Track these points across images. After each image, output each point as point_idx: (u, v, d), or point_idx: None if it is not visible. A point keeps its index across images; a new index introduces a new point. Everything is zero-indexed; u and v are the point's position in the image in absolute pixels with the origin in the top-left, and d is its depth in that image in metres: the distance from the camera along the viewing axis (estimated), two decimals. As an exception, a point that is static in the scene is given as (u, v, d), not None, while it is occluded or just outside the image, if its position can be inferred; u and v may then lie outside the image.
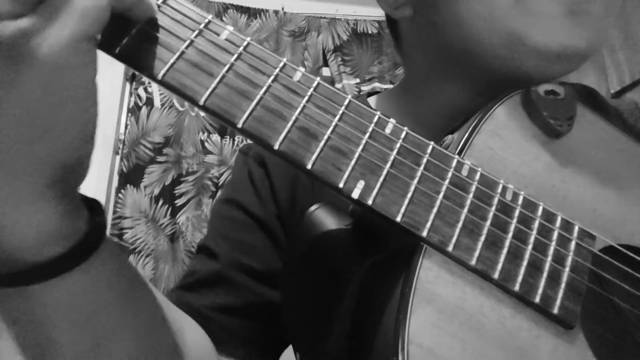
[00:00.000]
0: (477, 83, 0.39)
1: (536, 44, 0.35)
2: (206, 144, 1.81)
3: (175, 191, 1.76)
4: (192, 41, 0.26)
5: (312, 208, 0.35)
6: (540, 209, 0.28)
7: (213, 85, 0.25)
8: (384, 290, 0.27)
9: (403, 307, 0.24)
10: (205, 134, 1.82)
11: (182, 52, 0.25)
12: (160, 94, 1.82)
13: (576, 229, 0.29)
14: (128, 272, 0.29)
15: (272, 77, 0.26)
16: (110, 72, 1.67)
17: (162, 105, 1.81)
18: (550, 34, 0.35)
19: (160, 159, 1.76)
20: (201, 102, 0.25)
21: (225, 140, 1.82)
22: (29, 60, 0.19)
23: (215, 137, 1.82)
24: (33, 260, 0.23)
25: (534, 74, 0.36)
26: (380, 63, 1.92)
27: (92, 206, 0.26)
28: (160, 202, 1.71)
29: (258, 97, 0.26)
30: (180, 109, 1.82)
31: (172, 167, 1.78)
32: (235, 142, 1.82)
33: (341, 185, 0.26)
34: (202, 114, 1.83)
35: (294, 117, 0.26)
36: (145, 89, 1.79)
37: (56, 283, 0.24)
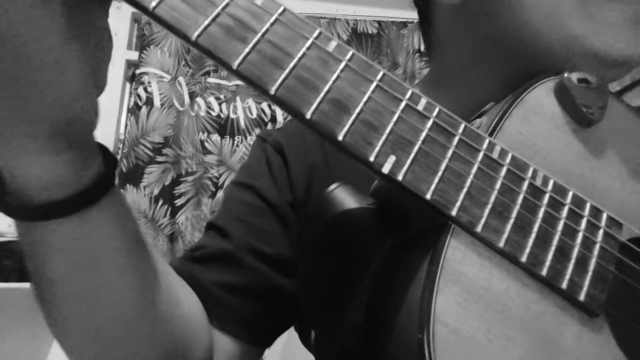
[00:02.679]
0: (517, 77, 0.38)
1: (597, 50, 0.35)
2: (206, 144, 1.81)
3: (175, 191, 1.75)
4: (226, 4, 0.25)
5: (332, 187, 0.34)
6: (570, 194, 0.28)
7: (246, 52, 0.25)
8: (407, 269, 0.26)
9: (429, 285, 0.24)
10: (205, 134, 1.81)
11: (217, 15, 0.25)
12: (160, 94, 1.81)
13: (604, 216, 0.28)
14: (131, 229, 0.30)
15: (305, 46, 0.26)
16: (110, 72, 1.67)
17: (162, 105, 1.80)
18: (612, 41, 0.35)
19: (159, 159, 1.75)
20: (234, 67, 0.24)
21: (225, 140, 1.81)
22: None
23: (215, 137, 1.81)
24: (33, 201, 0.25)
25: None
26: (380, 63, 1.91)
27: (109, 160, 0.27)
28: (160, 202, 1.70)
29: (291, 65, 0.25)
30: (180, 108, 1.82)
31: (172, 167, 1.77)
32: (235, 142, 1.81)
33: (372, 159, 0.25)
34: (202, 114, 1.82)
35: (326, 89, 0.26)
36: (145, 89, 1.78)
37: (56, 226, 0.26)
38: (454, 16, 0.42)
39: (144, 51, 1.82)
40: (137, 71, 1.79)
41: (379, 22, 1.94)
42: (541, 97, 0.31)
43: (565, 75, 0.32)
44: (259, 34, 0.25)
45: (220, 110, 1.85)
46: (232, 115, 1.84)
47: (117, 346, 0.31)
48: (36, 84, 0.21)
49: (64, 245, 0.26)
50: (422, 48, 1.92)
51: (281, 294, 0.42)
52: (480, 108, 0.39)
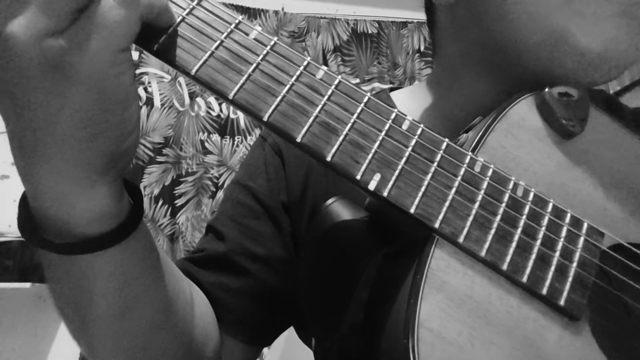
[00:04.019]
0: (508, 82, 0.39)
1: (579, 44, 0.35)
2: (206, 144, 1.82)
3: (175, 191, 1.76)
4: (222, 41, 0.28)
5: (330, 201, 0.36)
6: (551, 205, 0.30)
7: (241, 82, 0.27)
8: (396, 278, 0.28)
9: (414, 292, 0.26)
10: (205, 134, 1.82)
11: (213, 51, 0.27)
12: (160, 94, 1.83)
13: (585, 225, 0.30)
14: (156, 249, 0.32)
15: (296, 75, 0.28)
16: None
17: (162, 105, 1.81)
18: (596, 36, 0.35)
19: (160, 159, 1.76)
20: (230, 97, 0.27)
21: (225, 141, 1.82)
22: (76, 75, 0.22)
23: (215, 137, 1.82)
24: (84, 235, 0.27)
25: (570, 79, 0.37)
26: (379, 63, 1.92)
27: (131, 190, 0.29)
28: (160, 203, 1.72)
29: (282, 93, 0.28)
30: (180, 109, 1.83)
31: (172, 167, 1.78)
32: (235, 142, 1.82)
33: (358, 177, 0.27)
34: (202, 114, 1.84)
35: (315, 113, 0.28)
36: (145, 89, 1.80)
37: (101, 255, 0.27)
38: (448, 18, 0.43)
39: (144, 51, 1.86)
40: (137, 71, 1.80)
41: (378, 22, 1.95)
42: (524, 111, 0.33)
43: (547, 89, 0.33)
44: (254, 65, 0.28)
45: (221, 110, 1.86)
46: (232, 115, 1.85)
47: (145, 353, 0.33)
48: (108, 121, 0.24)
49: (110, 271, 0.28)
50: (422, 48, 1.93)
51: (276, 294, 0.44)
52: (476, 108, 0.40)
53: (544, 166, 0.32)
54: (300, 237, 0.44)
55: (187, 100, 1.86)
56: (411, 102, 0.48)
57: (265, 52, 0.28)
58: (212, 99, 1.87)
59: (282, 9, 1.90)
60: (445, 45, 0.45)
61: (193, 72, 0.27)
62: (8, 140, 0.24)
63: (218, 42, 0.27)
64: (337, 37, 1.92)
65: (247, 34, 0.28)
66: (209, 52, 0.27)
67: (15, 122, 0.23)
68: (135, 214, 0.29)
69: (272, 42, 0.28)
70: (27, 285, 1.61)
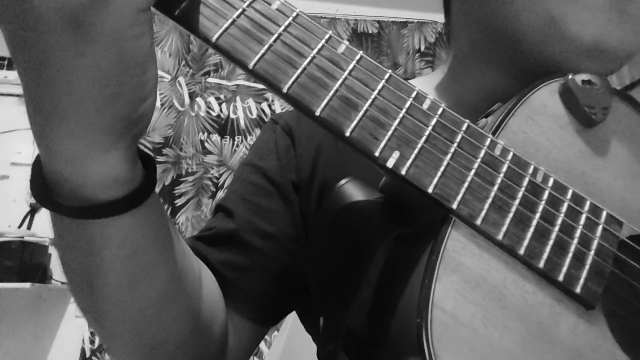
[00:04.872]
0: (513, 68, 0.40)
1: (569, 32, 0.35)
2: (206, 144, 1.82)
3: (175, 191, 1.77)
4: (244, 9, 0.27)
5: (343, 181, 0.36)
6: (570, 192, 0.29)
7: (262, 52, 0.27)
8: (410, 258, 0.28)
9: (429, 273, 0.25)
10: (205, 134, 1.82)
11: (235, 19, 0.27)
12: (160, 94, 1.82)
13: (604, 214, 0.29)
14: (166, 222, 0.32)
15: (317, 48, 0.28)
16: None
17: (162, 105, 1.81)
18: (587, 24, 0.35)
19: (159, 159, 1.76)
20: (250, 67, 0.26)
21: (225, 141, 1.82)
22: (95, 32, 0.21)
23: (215, 137, 1.82)
24: (98, 199, 0.26)
25: (563, 67, 0.36)
26: (380, 64, 1.91)
27: (145, 161, 0.29)
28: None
29: (303, 65, 0.27)
30: (180, 109, 1.83)
31: (172, 167, 1.78)
32: (235, 142, 1.82)
33: (377, 153, 0.27)
34: (202, 114, 1.84)
35: (335, 87, 0.27)
36: None
37: (113, 220, 0.27)
38: (460, 6, 0.44)
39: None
40: None
41: (379, 22, 1.94)
42: (546, 97, 0.32)
43: (570, 76, 0.33)
44: (275, 36, 0.27)
45: (220, 110, 1.86)
46: (232, 115, 1.85)
47: (153, 326, 0.33)
48: (126, 83, 0.24)
49: (120, 239, 0.28)
50: (423, 48, 1.92)
51: (285, 272, 0.43)
52: (489, 95, 0.40)
53: (564, 153, 0.31)
54: (309, 216, 0.44)
55: (187, 100, 1.86)
56: (425, 88, 0.48)
57: (287, 22, 0.28)
58: (212, 99, 1.86)
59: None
60: (458, 33, 0.46)
61: (214, 39, 0.26)
62: (26, 104, 0.24)
63: (240, 10, 0.27)
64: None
65: (269, 4, 0.28)
66: (230, 20, 0.27)
67: (32, 80, 0.23)
68: (149, 182, 0.29)
69: (294, 13, 0.28)
70: (27, 285, 1.63)
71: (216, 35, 0.26)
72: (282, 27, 0.27)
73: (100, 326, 0.34)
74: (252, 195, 0.45)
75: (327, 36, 0.28)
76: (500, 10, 0.38)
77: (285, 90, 0.26)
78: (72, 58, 0.22)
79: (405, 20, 1.94)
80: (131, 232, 0.28)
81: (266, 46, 0.27)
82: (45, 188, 0.27)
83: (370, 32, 1.93)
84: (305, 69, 0.27)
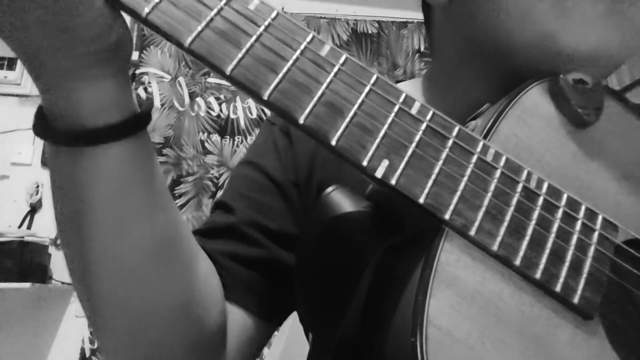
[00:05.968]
0: (503, 82, 0.38)
1: (566, 47, 0.34)
2: (206, 144, 1.81)
3: (175, 192, 1.76)
4: (220, 9, 0.25)
5: (329, 190, 0.34)
6: (565, 197, 0.28)
7: (239, 56, 0.25)
8: (402, 272, 0.26)
9: (422, 288, 0.24)
10: (205, 134, 1.82)
11: (210, 20, 0.25)
12: (160, 94, 1.81)
13: (600, 219, 0.28)
14: (158, 168, 0.32)
15: (299, 50, 0.26)
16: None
17: (162, 105, 1.80)
18: (585, 37, 0.34)
19: (160, 159, 1.75)
20: (227, 72, 0.25)
21: (225, 141, 1.81)
22: None
23: (215, 137, 1.81)
24: (90, 125, 0.27)
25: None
26: (379, 64, 1.91)
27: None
28: None
29: (284, 69, 0.25)
30: (180, 109, 1.82)
31: (172, 167, 1.78)
32: (235, 143, 1.81)
33: (365, 163, 0.25)
34: (202, 114, 1.82)
35: (320, 92, 0.26)
36: (145, 89, 1.78)
37: (103, 150, 0.28)
38: (444, 17, 0.43)
39: (144, 51, 1.83)
40: (137, 71, 1.80)
41: (378, 22, 1.94)
42: (537, 98, 0.31)
43: (561, 76, 0.32)
44: (253, 38, 0.25)
45: (220, 110, 1.86)
46: (232, 116, 1.85)
47: (142, 286, 0.31)
48: (76, 25, 0.24)
49: (110, 171, 0.28)
50: (422, 48, 1.92)
51: (286, 269, 0.42)
52: (473, 107, 0.39)
53: (557, 157, 0.30)
54: (306, 218, 0.42)
55: (187, 100, 1.84)
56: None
57: (266, 23, 0.26)
58: (212, 99, 1.86)
59: (282, 9, 1.87)
60: (442, 44, 0.44)
61: (186, 44, 0.24)
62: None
63: (215, 11, 0.25)
64: (337, 37, 1.90)
65: (247, 3, 0.26)
66: (204, 23, 0.25)
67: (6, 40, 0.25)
68: (146, 109, 0.29)
69: (273, 14, 0.26)
70: (27, 285, 1.61)
71: (189, 40, 0.24)
72: (262, 29, 0.26)
73: (88, 290, 0.31)
74: (252, 191, 0.44)
75: (309, 37, 0.26)
76: (492, 27, 0.36)
77: (265, 97, 0.25)
78: (16, 21, 0.23)
79: (405, 20, 1.94)
80: (121, 166, 0.28)
81: (244, 50, 0.25)
82: (44, 123, 0.28)
83: (369, 32, 1.93)
84: (286, 73, 0.25)
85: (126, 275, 0.30)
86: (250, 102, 1.86)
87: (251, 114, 1.85)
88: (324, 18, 1.92)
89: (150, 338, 0.32)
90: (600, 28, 0.34)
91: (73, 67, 0.25)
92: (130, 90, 0.29)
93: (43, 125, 0.28)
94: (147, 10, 0.24)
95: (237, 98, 1.86)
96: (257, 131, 1.82)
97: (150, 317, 0.32)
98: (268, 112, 1.91)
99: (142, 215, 0.30)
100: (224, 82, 1.87)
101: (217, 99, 1.86)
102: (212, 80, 1.88)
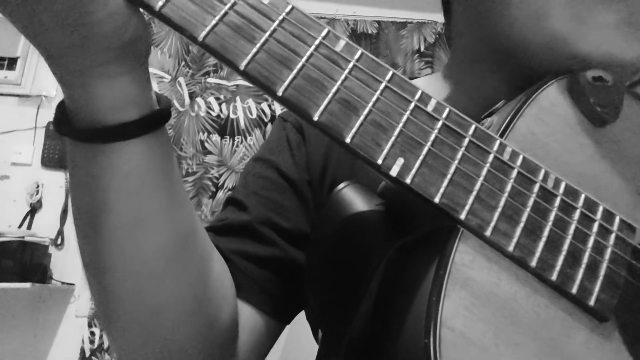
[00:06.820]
0: (520, 78, 0.38)
1: (579, 52, 0.33)
2: (206, 144, 1.80)
3: None
4: (234, 3, 0.25)
5: (340, 186, 0.34)
6: (582, 197, 0.27)
7: (254, 52, 0.24)
8: (415, 272, 0.26)
9: (436, 289, 0.24)
10: (205, 134, 1.81)
11: (224, 14, 0.24)
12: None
13: (617, 220, 0.28)
14: (176, 166, 0.31)
15: (314, 46, 0.25)
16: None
17: None
18: (598, 43, 0.33)
19: None
20: (241, 68, 0.24)
21: (225, 141, 1.81)
22: None
23: (215, 137, 1.81)
24: (108, 122, 0.27)
25: None
26: None
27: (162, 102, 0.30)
28: None
29: (299, 65, 0.25)
30: (180, 109, 1.81)
31: None
32: (235, 143, 1.81)
33: (380, 162, 0.25)
34: (202, 114, 1.82)
35: (334, 89, 0.25)
36: None
37: (121, 147, 0.28)
38: (462, 13, 0.42)
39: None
40: None
41: (378, 22, 1.92)
42: (555, 96, 0.31)
43: (580, 72, 0.31)
44: (267, 33, 0.25)
45: (220, 110, 1.85)
46: (232, 116, 1.84)
47: (156, 281, 0.31)
48: (90, 21, 0.24)
49: (127, 168, 0.28)
50: (422, 48, 1.90)
51: (298, 268, 0.42)
52: (488, 102, 0.38)
53: (575, 156, 0.29)
54: (317, 215, 0.42)
55: (187, 100, 1.84)
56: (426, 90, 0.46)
57: (281, 18, 0.25)
58: (212, 99, 1.85)
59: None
60: (458, 38, 0.44)
61: (200, 38, 0.24)
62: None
63: (229, 5, 0.25)
64: (336, 37, 1.89)
65: (261, -2, 0.25)
66: (218, 17, 0.24)
67: (26, 37, 0.25)
68: (165, 107, 0.29)
69: (288, 8, 0.26)
70: (27, 285, 1.61)
71: (203, 34, 0.24)
72: (276, 23, 0.25)
73: (102, 285, 0.31)
74: (266, 190, 0.43)
75: (324, 32, 0.26)
76: (504, 28, 0.36)
77: (280, 93, 0.24)
78: (31, 19, 0.23)
79: (404, 20, 1.92)
80: (138, 163, 0.28)
81: (258, 45, 0.25)
82: (64, 118, 0.28)
83: (369, 32, 1.91)
84: (300, 69, 0.25)
85: (141, 271, 0.30)
86: (250, 102, 1.85)
87: (251, 114, 1.85)
88: (324, 18, 1.90)
89: (162, 334, 0.32)
90: (618, 37, 0.33)
91: (89, 63, 0.25)
92: (149, 87, 0.28)
93: (62, 120, 0.28)
94: (160, 3, 0.24)
95: (237, 98, 1.86)
96: (257, 131, 1.81)
97: (163, 312, 0.32)
98: (268, 113, 1.90)
99: (159, 212, 0.30)
100: (223, 82, 1.87)
101: (217, 99, 1.85)
102: (212, 80, 1.87)
